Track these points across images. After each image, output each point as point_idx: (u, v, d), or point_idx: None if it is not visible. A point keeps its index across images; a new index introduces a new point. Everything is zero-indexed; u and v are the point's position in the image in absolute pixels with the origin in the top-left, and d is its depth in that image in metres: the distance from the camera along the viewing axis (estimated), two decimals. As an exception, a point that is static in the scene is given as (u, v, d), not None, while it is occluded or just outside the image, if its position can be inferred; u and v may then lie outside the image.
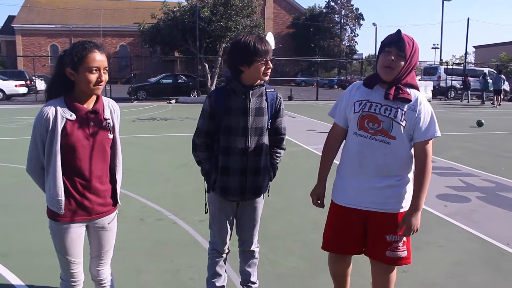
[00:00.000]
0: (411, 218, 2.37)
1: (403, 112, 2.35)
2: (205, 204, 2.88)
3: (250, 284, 3.04)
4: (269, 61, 2.56)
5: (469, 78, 27.68)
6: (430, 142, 2.39)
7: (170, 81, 26.45)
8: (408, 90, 2.38)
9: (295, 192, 5.57)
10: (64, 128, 2.15)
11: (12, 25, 46.81)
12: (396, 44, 2.33)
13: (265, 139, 2.72)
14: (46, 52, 47.43)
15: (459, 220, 4.95)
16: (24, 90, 25.55)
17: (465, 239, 4.42)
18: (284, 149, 2.90)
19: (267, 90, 2.71)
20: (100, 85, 2.19)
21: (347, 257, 2.69)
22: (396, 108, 2.36)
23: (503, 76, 24.48)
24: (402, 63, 2.33)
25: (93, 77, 2.14)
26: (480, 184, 6.63)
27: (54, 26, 47.09)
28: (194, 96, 25.17)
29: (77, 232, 2.29)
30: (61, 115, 2.15)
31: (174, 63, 46.51)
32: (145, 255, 3.92)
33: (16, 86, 24.92)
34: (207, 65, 25.27)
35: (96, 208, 2.31)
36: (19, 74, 27.71)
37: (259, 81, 2.64)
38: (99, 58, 2.16)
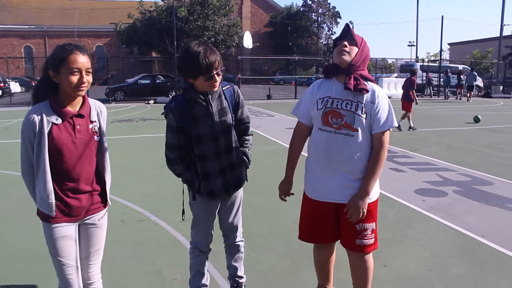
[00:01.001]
0: (358, 202, 2.50)
1: (363, 105, 2.49)
2: (182, 210, 2.98)
3: (237, 278, 3.09)
4: (214, 76, 2.54)
5: (430, 74, 30.13)
6: (387, 132, 2.54)
7: (148, 81, 26.20)
8: (365, 82, 2.51)
9: (275, 190, 5.58)
10: (50, 132, 2.15)
11: (-16, 26, 45.69)
12: (346, 37, 2.54)
13: (233, 134, 2.80)
14: (20, 53, 46.48)
15: (437, 214, 5.05)
16: (-3, 92, 25.01)
17: (443, 232, 4.52)
18: (252, 135, 2.99)
19: (223, 88, 2.75)
20: (83, 87, 2.18)
21: (328, 245, 2.83)
22: (357, 102, 2.50)
23: (475, 73, 26.84)
24: (355, 48, 2.51)
25: (74, 78, 2.14)
26: (457, 178, 6.77)
27: (27, 26, 46.15)
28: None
29: (69, 232, 2.28)
30: (46, 119, 2.14)
31: (152, 63, 46.15)
32: (128, 256, 3.89)
33: (-11, 88, 24.38)
34: (185, 65, 25.12)
35: (86, 207, 2.32)
36: (-9, 76, 27.11)
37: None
38: (80, 60, 2.15)
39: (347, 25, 2.59)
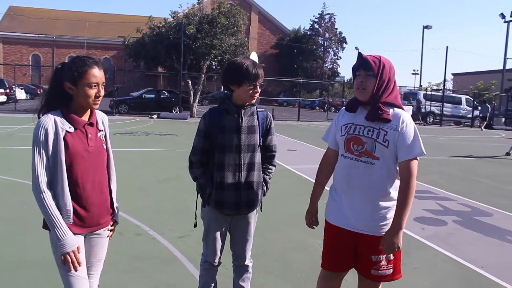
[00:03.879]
0: (392, 237, 2.40)
1: (385, 132, 2.41)
2: (195, 217, 2.98)
3: None
4: (257, 86, 2.73)
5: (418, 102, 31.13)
6: (415, 161, 2.43)
7: (153, 96, 26.38)
8: (389, 109, 2.44)
9: (275, 211, 5.57)
10: (64, 141, 2.14)
11: (-6, 33, 46.23)
12: (362, 66, 2.45)
13: (258, 156, 2.85)
14: (28, 61, 46.89)
15: (436, 243, 5.02)
16: (3, 98, 25.16)
17: (441, 262, 4.48)
18: (275, 166, 3.04)
19: (258, 110, 2.87)
20: (98, 100, 2.22)
21: (340, 276, 2.71)
22: (378, 129, 2.42)
23: (488, 105, 28.97)
24: (373, 80, 2.42)
25: (92, 92, 2.18)
26: (457, 208, 6.75)
27: (37, 35, 46.66)
28: (176, 112, 25.11)
29: (79, 243, 2.23)
30: (60, 127, 2.15)
31: (157, 78, 46.44)
32: (124, 270, 3.86)
33: (-5, 94, 24.54)
34: (190, 82, 25.28)
35: (97, 219, 2.31)
36: (-2, 82, 27.30)
37: (248, 102, 2.79)
38: (98, 74, 2.20)
39: (359, 54, 2.48)
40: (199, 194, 2.92)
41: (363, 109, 2.50)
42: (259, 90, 2.75)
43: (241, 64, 2.70)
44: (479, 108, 29.05)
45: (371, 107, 2.44)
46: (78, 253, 2.16)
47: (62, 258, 2.13)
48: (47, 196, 2.10)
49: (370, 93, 2.42)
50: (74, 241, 2.14)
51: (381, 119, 2.40)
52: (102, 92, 2.24)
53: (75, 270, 2.16)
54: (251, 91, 2.72)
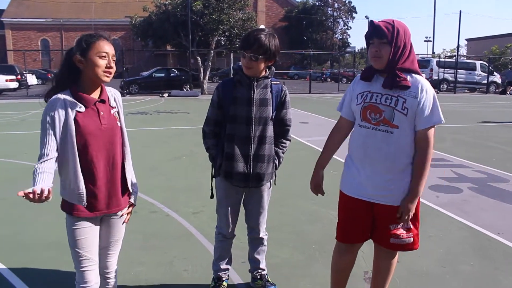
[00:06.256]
0: (408, 204, 2.39)
1: (404, 100, 2.33)
2: (211, 189, 2.99)
3: (259, 271, 3.15)
4: (246, 55, 2.64)
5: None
6: (432, 129, 2.38)
7: (163, 74, 26.34)
8: (407, 76, 2.35)
9: (288, 184, 5.54)
10: (75, 121, 2.09)
11: (1, 19, 46.26)
12: (374, 34, 2.35)
13: (270, 129, 2.82)
14: (37, 46, 47.02)
15: (451, 211, 4.99)
16: (15, 84, 25.30)
17: (457, 229, 4.46)
18: (290, 140, 3.01)
19: (272, 82, 2.83)
20: (109, 73, 2.15)
21: (355, 248, 2.68)
22: (397, 96, 2.34)
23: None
24: (388, 48, 2.32)
25: (102, 62, 2.12)
26: (472, 175, 6.68)
27: (44, 20, 46.63)
28: (187, 90, 25.09)
29: (92, 224, 2.23)
30: (70, 108, 2.09)
31: (166, 56, 46.31)
32: (139, 247, 3.91)
33: (6, 80, 24.67)
34: (199, 59, 25.12)
35: (113, 200, 2.25)
36: (9, 69, 27.39)
37: (262, 73, 2.75)
38: (107, 45, 2.15)
39: (371, 22, 2.37)
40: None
41: (379, 76, 2.42)
42: (250, 63, 2.64)
43: (249, 31, 2.73)
44: (503, 74, 29.30)
45: (388, 75, 2.36)
46: (40, 195, 1.85)
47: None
48: (39, 167, 1.97)
49: (386, 60, 2.34)
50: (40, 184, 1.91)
51: (400, 86, 2.32)
52: (114, 66, 2.17)
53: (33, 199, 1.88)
54: (243, 60, 2.68)
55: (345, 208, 2.61)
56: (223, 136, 2.82)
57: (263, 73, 2.75)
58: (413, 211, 2.42)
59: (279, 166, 2.95)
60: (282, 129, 2.91)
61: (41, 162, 2.01)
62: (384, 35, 2.31)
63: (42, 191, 1.84)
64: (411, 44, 2.41)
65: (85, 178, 2.14)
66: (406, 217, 2.41)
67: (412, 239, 2.51)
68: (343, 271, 2.73)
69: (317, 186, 2.71)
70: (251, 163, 2.78)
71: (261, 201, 2.96)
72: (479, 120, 13.95)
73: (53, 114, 2.06)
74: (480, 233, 4.34)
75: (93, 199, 2.17)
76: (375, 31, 2.35)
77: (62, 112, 2.07)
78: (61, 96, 2.11)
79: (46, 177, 1.96)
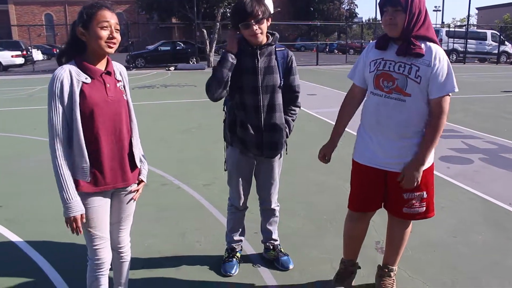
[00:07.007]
0: (412, 171, 2.37)
1: (417, 68, 2.29)
2: (225, 162, 2.97)
3: (272, 241, 3.17)
4: (250, 25, 2.54)
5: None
6: (447, 98, 2.34)
7: (169, 48, 26.13)
8: (421, 43, 2.31)
9: (297, 155, 5.55)
10: (81, 92, 2.04)
11: (5, -6, 45.84)
12: (388, 1, 2.29)
13: (278, 97, 2.77)
14: (41, 21, 46.65)
15: (462, 181, 4.97)
16: (21, 60, 25.18)
17: (468, 200, 4.45)
18: (299, 107, 2.96)
19: (277, 49, 2.76)
20: (113, 44, 2.10)
21: (367, 216, 2.69)
22: (410, 64, 2.30)
23: None
24: (403, 15, 2.27)
25: (105, 33, 2.06)
26: (483, 146, 6.62)
27: (47, -7, 46.08)
28: (193, 63, 24.91)
29: (102, 202, 2.20)
30: (76, 78, 2.04)
31: (172, 29, 45.85)
32: (151, 219, 3.95)
33: (12, 56, 24.59)
34: (205, 31, 24.83)
35: (120, 174, 2.22)
36: (14, 45, 27.32)
37: (265, 40, 2.67)
38: (108, 15, 2.08)
39: None
40: (224, 137, 2.91)
41: (393, 44, 2.37)
42: (257, 29, 2.56)
43: (234, 6, 2.60)
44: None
45: (403, 42, 2.31)
46: (82, 221, 2.08)
47: (66, 222, 2.07)
48: (59, 155, 2.01)
49: (400, 28, 2.28)
50: (78, 207, 2.05)
51: (413, 54, 2.28)
52: (118, 36, 2.11)
53: (77, 234, 2.10)
54: (247, 31, 2.57)
55: (358, 177, 2.61)
56: (233, 103, 2.78)
57: (265, 39, 2.68)
58: (419, 179, 2.39)
59: (290, 134, 2.93)
60: (291, 96, 2.85)
61: (59, 157, 2.01)
62: (398, 3, 2.26)
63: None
64: (426, 10, 2.35)
65: (90, 151, 2.09)
66: (411, 184, 2.38)
67: (424, 208, 2.51)
68: (357, 238, 2.76)
69: (327, 153, 2.72)
70: (263, 133, 2.75)
71: (272, 172, 2.95)
72: (490, 91, 13.76)
73: (59, 85, 2.01)
74: (491, 204, 4.32)
75: (98, 172, 2.13)
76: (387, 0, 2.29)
77: (68, 83, 2.02)
78: (66, 67, 2.06)
79: (71, 182, 2.06)
